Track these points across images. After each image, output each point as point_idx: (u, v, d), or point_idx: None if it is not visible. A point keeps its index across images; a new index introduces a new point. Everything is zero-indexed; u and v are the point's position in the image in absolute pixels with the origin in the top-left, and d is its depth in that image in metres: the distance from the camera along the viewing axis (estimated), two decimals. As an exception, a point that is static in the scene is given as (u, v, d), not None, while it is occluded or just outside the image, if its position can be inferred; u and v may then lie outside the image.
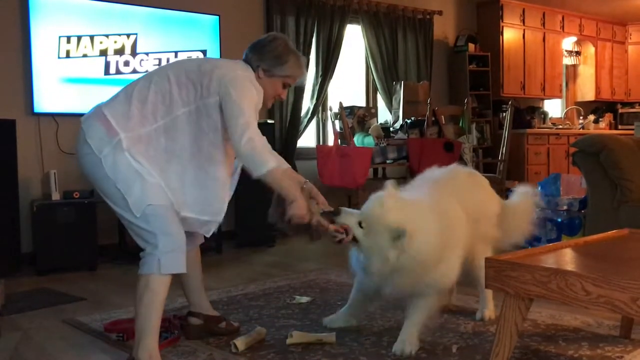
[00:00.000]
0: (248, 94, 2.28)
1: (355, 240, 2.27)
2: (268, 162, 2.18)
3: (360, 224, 2.25)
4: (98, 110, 2.26)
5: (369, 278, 2.34)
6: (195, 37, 5.09)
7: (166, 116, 2.25)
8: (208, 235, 2.47)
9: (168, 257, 2.17)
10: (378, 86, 6.59)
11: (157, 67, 2.49)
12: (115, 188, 2.18)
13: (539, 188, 4.37)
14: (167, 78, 2.29)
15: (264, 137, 2.25)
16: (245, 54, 2.48)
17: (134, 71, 4.73)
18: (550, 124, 8.40)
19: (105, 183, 2.21)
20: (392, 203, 2.24)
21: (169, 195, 2.22)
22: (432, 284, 2.31)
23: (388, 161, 5.51)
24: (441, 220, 2.29)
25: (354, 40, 6.58)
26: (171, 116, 2.26)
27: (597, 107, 9.30)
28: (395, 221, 2.17)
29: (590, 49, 9.04)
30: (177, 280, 2.63)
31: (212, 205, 2.34)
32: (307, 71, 2.59)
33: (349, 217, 2.27)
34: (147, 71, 2.51)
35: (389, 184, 2.32)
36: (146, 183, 2.18)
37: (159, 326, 2.23)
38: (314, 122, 6.18)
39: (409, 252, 2.16)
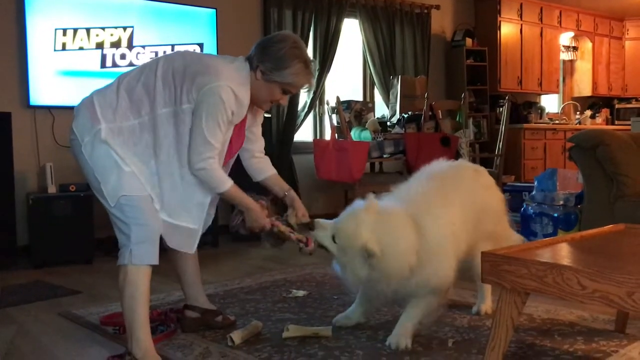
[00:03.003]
0: (217, 113, 2.17)
1: (326, 250, 2.31)
2: (225, 183, 2.27)
3: (333, 238, 2.28)
4: (90, 96, 2.25)
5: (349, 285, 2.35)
6: (192, 30, 5.07)
7: (150, 112, 2.21)
8: (192, 251, 2.38)
9: (139, 248, 2.15)
10: (375, 80, 6.58)
11: (153, 58, 2.39)
12: (94, 176, 2.18)
13: (536, 183, 4.38)
14: (155, 73, 2.23)
15: (216, 159, 2.23)
16: (251, 50, 2.33)
17: (131, 64, 4.71)
18: (547, 119, 8.41)
19: (86, 170, 2.22)
20: (365, 218, 2.21)
21: (146, 187, 2.20)
22: (422, 284, 2.28)
23: (385, 155, 5.51)
24: (421, 230, 2.25)
25: (351, 34, 6.56)
26: (153, 113, 2.21)
27: (594, 103, 9.31)
28: (366, 241, 2.16)
29: (587, 45, 9.04)
30: (174, 274, 2.63)
31: (190, 211, 2.29)
32: (314, 79, 2.38)
33: (323, 231, 2.30)
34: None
35: (370, 197, 2.28)
36: (123, 173, 2.16)
37: (148, 318, 2.21)
38: (310, 116, 6.17)
39: (378, 270, 2.19)
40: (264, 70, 2.27)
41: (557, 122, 8.42)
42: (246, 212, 2.34)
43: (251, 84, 2.30)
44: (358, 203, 2.29)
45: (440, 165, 2.62)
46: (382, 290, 2.29)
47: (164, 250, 2.30)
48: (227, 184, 2.27)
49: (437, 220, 2.31)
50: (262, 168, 2.59)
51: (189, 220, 2.30)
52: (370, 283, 2.27)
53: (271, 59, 2.26)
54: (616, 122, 9.12)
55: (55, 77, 4.48)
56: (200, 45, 5.09)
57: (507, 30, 7.79)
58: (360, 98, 6.60)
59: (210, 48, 5.11)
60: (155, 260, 2.20)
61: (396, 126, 5.82)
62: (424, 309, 2.36)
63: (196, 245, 2.36)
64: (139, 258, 2.15)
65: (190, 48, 4.99)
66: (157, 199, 2.23)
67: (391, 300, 2.47)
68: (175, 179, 2.25)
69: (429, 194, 2.41)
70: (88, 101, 2.24)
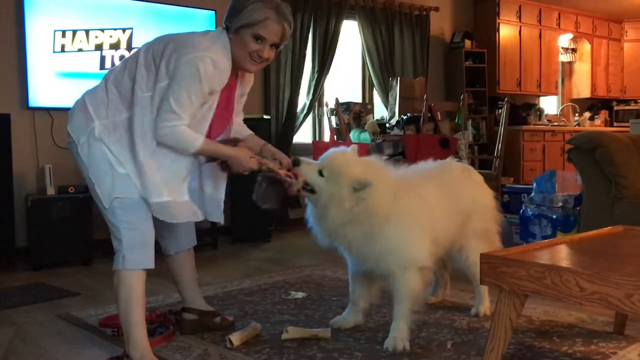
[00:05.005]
0: (189, 84, 2.10)
1: (310, 191, 2.30)
2: (195, 141, 2.16)
3: (320, 172, 2.30)
4: (82, 98, 2.25)
5: (321, 230, 2.33)
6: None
7: (138, 101, 2.17)
8: (199, 219, 2.33)
9: (132, 252, 2.14)
10: (374, 82, 6.59)
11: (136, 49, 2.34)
12: (89, 177, 2.18)
13: (535, 185, 4.38)
14: (137, 61, 2.21)
15: (183, 126, 2.14)
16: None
17: (130, 66, 4.71)
18: (545, 120, 8.42)
19: (84, 171, 2.21)
20: (353, 157, 2.34)
21: (139, 186, 2.14)
22: (386, 252, 2.30)
23: (384, 157, 5.50)
24: (401, 187, 2.36)
25: (351, 36, 6.57)
26: (136, 99, 2.16)
27: (593, 104, 9.32)
28: (360, 173, 2.25)
29: (586, 46, 9.05)
30: (171, 276, 2.63)
31: (178, 186, 2.23)
32: (280, 14, 2.20)
33: (309, 165, 2.32)
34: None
35: (352, 148, 2.41)
36: (117, 175, 2.14)
37: (144, 320, 2.21)
38: (310, 118, 6.17)
39: (365, 203, 2.23)
40: (229, 25, 2.22)
41: (556, 123, 8.43)
42: (229, 160, 2.25)
43: (231, 48, 2.24)
44: (339, 148, 2.39)
45: (430, 162, 2.71)
46: (351, 242, 2.30)
47: (161, 253, 2.30)
48: (197, 140, 2.16)
49: (414, 194, 2.39)
50: (238, 131, 2.50)
51: (175, 195, 2.22)
52: (346, 227, 2.26)
53: (231, 9, 2.22)
54: (615, 124, 9.14)
55: (55, 78, 4.48)
56: (200, 46, 5.08)
57: (506, 32, 7.80)
58: (359, 100, 6.60)
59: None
60: (150, 264, 2.19)
61: (395, 128, 5.82)
62: (408, 298, 2.33)
63: (199, 216, 2.32)
64: (132, 263, 2.14)
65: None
66: (147, 186, 2.15)
67: (363, 274, 2.52)
68: (160, 160, 2.18)
69: (412, 175, 2.54)
70: (80, 102, 2.23)
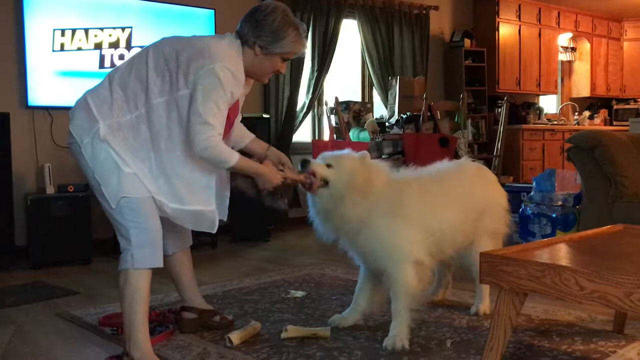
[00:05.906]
0: (214, 93, 2.15)
1: (324, 184, 2.38)
2: (232, 157, 2.24)
3: (328, 166, 2.41)
4: (83, 97, 2.24)
5: (330, 221, 2.39)
6: (191, 31, 5.06)
7: (146, 104, 2.19)
8: (213, 231, 2.36)
9: (141, 252, 2.14)
10: (374, 81, 6.59)
11: (141, 49, 2.34)
12: (94, 178, 2.17)
13: (534, 184, 4.38)
14: (146, 63, 2.21)
15: (219, 136, 2.20)
16: (240, 26, 2.33)
17: (129, 65, 4.70)
18: (545, 119, 8.42)
19: (87, 172, 2.21)
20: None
21: (148, 186, 2.18)
22: (370, 239, 2.34)
23: (383, 156, 5.50)
24: (392, 183, 2.44)
25: (350, 35, 6.57)
26: (149, 104, 2.18)
27: (592, 103, 9.32)
28: (358, 154, 2.44)
29: (585, 45, 9.05)
30: (170, 276, 2.63)
31: (199, 194, 2.27)
32: (306, 41, 2.43)
33: (317, 164, 2.43)
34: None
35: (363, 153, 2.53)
36: (123, 174, 2.14)
37: (147, 319, 2.21)
38: (309, 117, 6.18)
39: (370, 170, 2.39)
40: (262, 45, 2.28)
41: (555, 122, 8.42)
42: (259, 177, 2.34)
43: (251, 60, 2.30)
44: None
45: (446, 162, 2.75)
46: (342, 218, 2.35)
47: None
48: (234, 156, 2.25)
49: (413, 187, 2.44)
50: (243, 134, 2.56)
51: (201, 203, 2.28)
52: (340, 204, 2.35)
53: (267, 33, 2.27)
54: (614, 123, 9.13)
55: (54, 77, 4.48)
56: (199, 45, 5.08)
57: (506, 31, 7.80)
58: (358, 99, 6.60)
59: (209, 49, 5.11)
60: (159, 263, 2.19)
61: (395, 127, 5.82)
62: (403, 294, 2.33)
63: (217, 225, 2.35)
64: (141, 262, 2.14)
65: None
66: (163, 190, 2.20)
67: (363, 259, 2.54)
68: (178, 166, 2.22)
69: (421, 172, 2.59)
70: (82, 102, 2.22)
